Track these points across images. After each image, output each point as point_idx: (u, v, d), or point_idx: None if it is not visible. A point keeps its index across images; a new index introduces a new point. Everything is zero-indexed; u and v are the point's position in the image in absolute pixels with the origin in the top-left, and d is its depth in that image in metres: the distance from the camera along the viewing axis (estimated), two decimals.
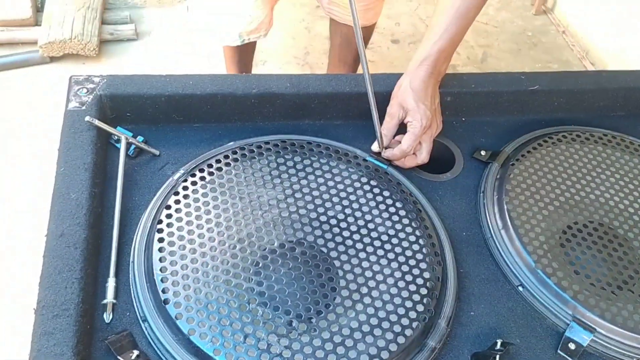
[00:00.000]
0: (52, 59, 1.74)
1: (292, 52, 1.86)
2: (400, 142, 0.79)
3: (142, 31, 1.90)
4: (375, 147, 0.82)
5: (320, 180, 0.75)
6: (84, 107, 0.73)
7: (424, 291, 0.66)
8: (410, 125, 0.79)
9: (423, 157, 0.81)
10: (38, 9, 1.80)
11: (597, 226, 0.76)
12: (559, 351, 0.65)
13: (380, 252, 0.68)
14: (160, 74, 0.79)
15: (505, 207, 0.76)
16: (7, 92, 1.66)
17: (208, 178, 0.72)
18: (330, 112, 0.85)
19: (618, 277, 0.71)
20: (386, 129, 0.81)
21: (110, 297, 0.61)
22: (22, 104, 1.63)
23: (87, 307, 0.59)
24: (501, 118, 0.91)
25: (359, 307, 0.63)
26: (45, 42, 1.67)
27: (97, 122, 0.72)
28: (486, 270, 0.72)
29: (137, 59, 1.82)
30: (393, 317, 0.63)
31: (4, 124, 1.57)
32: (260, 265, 0.65)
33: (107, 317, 0.61)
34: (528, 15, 2.00)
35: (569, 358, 0.65)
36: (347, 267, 0.66)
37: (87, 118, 0.71)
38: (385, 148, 0.81)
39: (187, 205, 0.69)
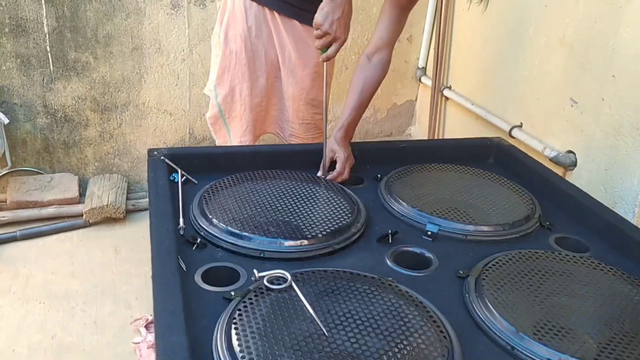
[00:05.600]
0: (91, 224, 2.38)
1: None
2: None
3: None
4: (319, 173, 1.46)
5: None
6: (160, 156, 1.39)
7: None
8: (338, 158, 1.46)
9: (346, 176, 1.45)
10: (81, 193, 2.49)
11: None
12: None
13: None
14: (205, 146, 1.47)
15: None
16: (56, 249, 2.24)
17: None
18: None
19: None
20: (326, 163, 1.47)
21: None
22: (70, 258, 2.20)
23: None
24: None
25: None
26: (88, 209, 2.33)
27: (167, 160, 1.37)
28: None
29: None
30: None
31: (53, 275, 2.12)
32: None
33: None
34: None
35: None
36: None
37: (162, 157, 1.37)
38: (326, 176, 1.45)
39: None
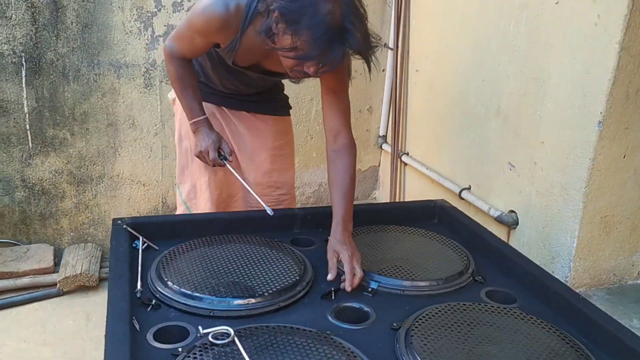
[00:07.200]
0: (65, 293, 2.44)
1: None
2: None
3: None
4: (329, 277, 1.39)
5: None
6: (123, 225, 1.51)
7: None
8: (343, 258, 1.37)
9: (360, 273, 1.36)
10: (56, 262, 2.57)
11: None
12: None
13: None
14: (166, 214, 1.59)
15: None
16: (29, 318, 2.30)
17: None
18: None
19: None
20: (331, 265, 1.41)
21: None
22: (42, 326, 2.26)
23: None
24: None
25: None
26: (62, 278, 2.40)
27: (129, 228, 1.49)
28: None
29: None
30: None
31: (25, 344, 2.18)
32: None
33: None
34: None
35: None
36: None
37: (124, 226, 1.49)
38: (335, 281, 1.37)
39: None
